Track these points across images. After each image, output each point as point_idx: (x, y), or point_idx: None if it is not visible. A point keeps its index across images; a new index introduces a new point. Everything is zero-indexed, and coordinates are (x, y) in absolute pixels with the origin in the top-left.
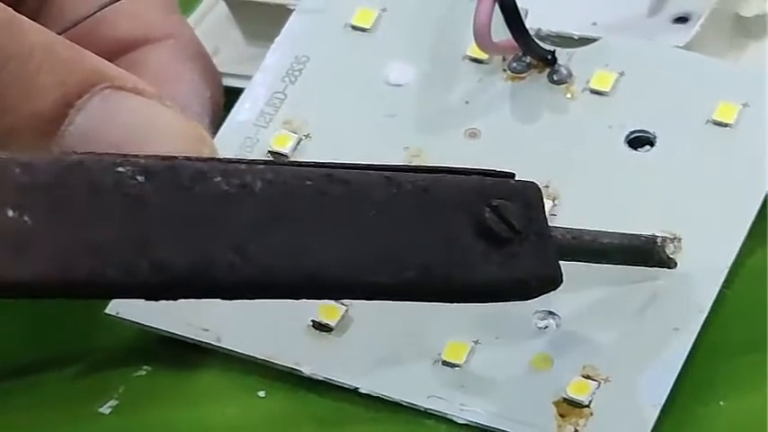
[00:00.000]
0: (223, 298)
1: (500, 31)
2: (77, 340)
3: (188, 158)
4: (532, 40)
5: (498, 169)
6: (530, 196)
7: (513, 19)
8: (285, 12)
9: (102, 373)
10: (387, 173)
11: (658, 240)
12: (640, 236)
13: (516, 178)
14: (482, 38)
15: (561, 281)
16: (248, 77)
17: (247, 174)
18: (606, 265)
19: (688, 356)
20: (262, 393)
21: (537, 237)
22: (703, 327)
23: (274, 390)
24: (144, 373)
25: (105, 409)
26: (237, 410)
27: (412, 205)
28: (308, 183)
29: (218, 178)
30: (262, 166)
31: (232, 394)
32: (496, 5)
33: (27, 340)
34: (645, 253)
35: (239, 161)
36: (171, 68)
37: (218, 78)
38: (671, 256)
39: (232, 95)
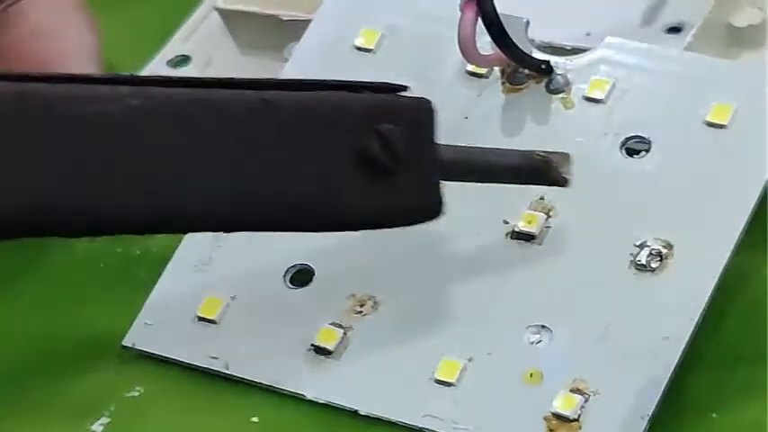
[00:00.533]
0: (68, 236)
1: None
2: (72, 358)
3: (47, 78)
4: (521, 51)
5: (391, 83)
6: (421, 116)
7: (497, 32)
8: (278, 22)
9: (95, 391)
10: (266, 93)
11: (552, 159)
12: (533, 153)
13: (408, 93)
14: (468, 51)
15: (441, 211)
16: None
17: (108, 100)
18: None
19: (680, 367)
20: (255, 419)
21: (422, 164)
22: (696, 337)
23: (267, 415)
24: (137, 393)
25: (97, 427)
26: None
27: (290, 132)
28: (176, 109)
29: (75, 105)
30: (127, 89)
31: (224, 418)
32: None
33: (21, 355)
34: (537, 171)
35: (108, 80)
36: (57, 18)
37: (99, 31)
38: (564, 175)
39: None
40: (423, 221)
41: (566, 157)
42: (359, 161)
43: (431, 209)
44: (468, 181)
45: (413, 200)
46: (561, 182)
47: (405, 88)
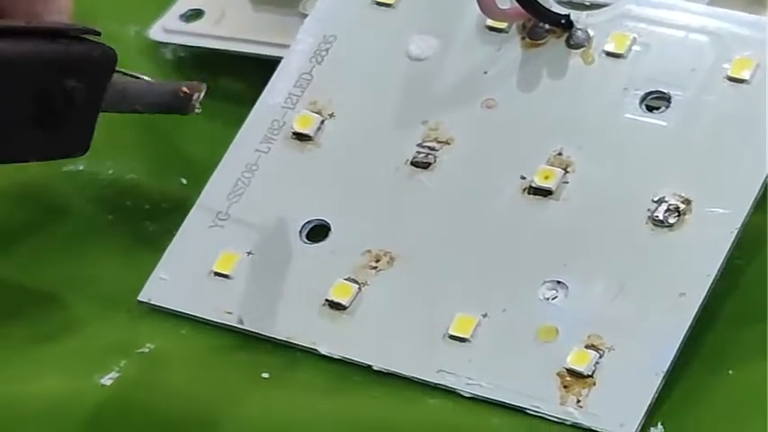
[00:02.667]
0: None
1: None
2: (81, 312)
3: None
4: (540, 5)
5: (81, 27)
6: (104, 68)
7: None
8: None
9: (105, 346)
10: None
11: (192, 92)
12: (179, 89)
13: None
14: (486, 5)
15: (89, 148)
16: (254, 42)
17: None
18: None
19: (697, 325)
20: (266, 374)
21: (89, 112)
22: (712, 295)
23: (278, 370)
24: (147, 350)
25: (106, 381)
26: (240, 389)
27: None
28: None
29: None
30: None
31: (234, 375)
32: None
33: (30, 308)
34: (177, 105)
35: None
36: None
37: None
38: (194, 103)
39: (238, 61)
40: (73, 156)
41: (200, 87)
42: (36, 111)
43: (83, 148)
44: (120, 112)
45: (70, 143)
46: (190, 111)
47: (98, 33)
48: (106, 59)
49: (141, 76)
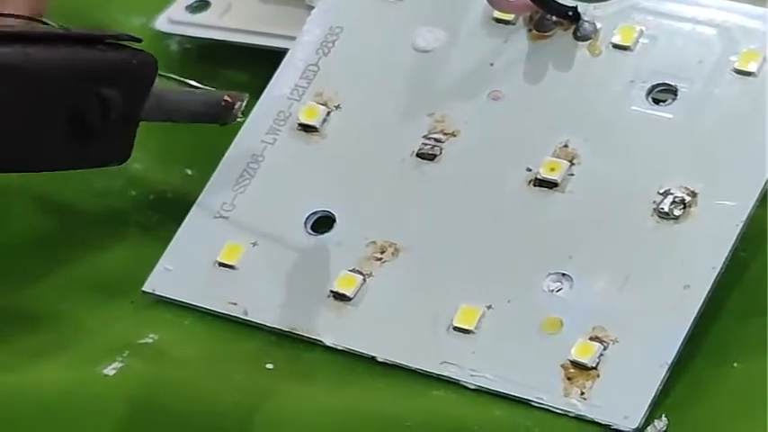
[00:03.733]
0: None
1: None
2: (85, 301)
3: None
4: None
5: (121, 34)
6: (143, 77)
7: None
8: None
9: (108, 337)
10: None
11: (234, 102)
12: (221, 98)
13: (136, 47)
14: None
15: (129, 157)
16: (260, 34)
17: None
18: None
19: (702, 317)
20: (270, 365)
21: (128, 121)
22: (717, 288)
23: (282, 361)
24: (150, 341)
25: (109, 371)
26: (243, 378)
27: (15, 86)
28: None
29: None
30: None
31: (239, 366)
32: None
33: (34, 297)
34: (219, 114)
35: None
36: None
37: None
38: (235, 113)
39: (245, 52)
40: (111, 166)
41: (242, 96)
42: (72, 120)
43: (121, 158)
44: (159, 121)
45: (108, 152)
46: (231, 121)
47: (139, 40)
48: (145, 67)
49: (186, 81)
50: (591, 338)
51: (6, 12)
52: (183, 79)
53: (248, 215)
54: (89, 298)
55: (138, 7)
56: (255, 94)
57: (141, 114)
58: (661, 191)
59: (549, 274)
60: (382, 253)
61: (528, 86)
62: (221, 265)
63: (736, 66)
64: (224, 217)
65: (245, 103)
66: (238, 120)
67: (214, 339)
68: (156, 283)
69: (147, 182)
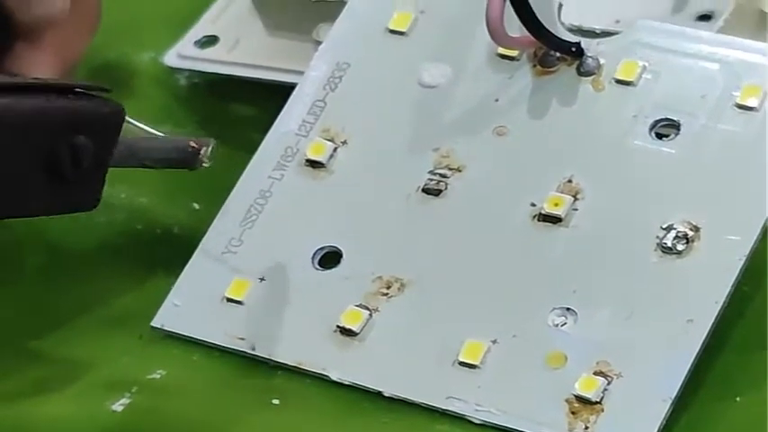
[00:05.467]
0: None
1: None
2: (92, 337)
3: None
4: (551, 33)
5: (91, 84)
6: (112, 125)
7: (525, 14)
8: (306, 3)
9: (116, 372)
10: None
11: (199, 147)
12: (187, 144)
13: (105, 97)
14: (496, 32)
15: (98, 204)
16: (268, 68)
17: None
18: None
19: (705, 351)
20: (276, 401)
21: (98, 168)
22: (721, 322)
23: (288, 397)
24: (158, 376)
25: (117, 407)
26: (250, 414)
27: None
28: None
29: None
30: None
31: (245, 401)
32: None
33: (41, 333)
34: (186, 160)
35: None
36: None
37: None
38: (202, 159)
39: (252, 87)
40: (81, 212)
41: (208, 142)
42: (46, 167)
43: (91, 205)
44: (130, 167)
45: (78, 199)
46: (198, 166)
47: (107, 90)
48: (114, 115)
49: (148, 129)
50: (595, 373)
51: (43, 57)
52: (143, 126)
53: (256, 251)
54: (97, 333)
55: (147, 43)
56: (264, 128)
57: (111, 161)
58: (664, 225)
59: (554, 308)
60: (388, 288)
61: (532, 122)
62: (229, 300)
63: (738, 100)
64: (232, 252)
65: (210, 149)
66: (205, 165)
67: (222, 375)
68: (164, 319)
69: (154, 217)
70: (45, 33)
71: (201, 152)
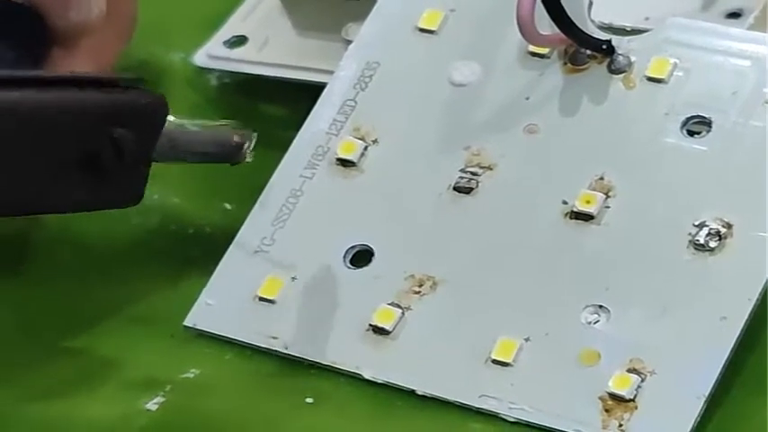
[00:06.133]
0: None
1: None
2: (127, 336)
3: None
4: (581, 31)
5: (129, 77)
6: (154, 117)
7: (555, 11)
8: (335, 2)
9: (150, 371)
10: (10, 93)
11: (243, 141)
12: (231, 138)
13: (145, 89)
14: (526, 30)
15: (141, 198)
16: (297, 68)
17: None
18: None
19: (739, 348)
20: (309, 399)
21: (140, 162)
22: (753, 318)
23: (322, 395)
24: (192, 375)
25: (152, 406)
26: (284, 413)
27: (26, 132)
28: None
29: None
30: None
31: (279, 400)
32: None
33: (76, 331)
34: (230, 154)
35: None
36: None
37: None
38: (245, 152)
39: (282, 86)
40: (124, 207)
41: (251, 135)
42: (86, 161)
43: (135, 200)
44: (171, 162)
45: (121, 194)
46: (242, 160)
47: (143, 80)
48: (155, 107)
49: (189, 124)
50: (628, 370)
51: (79, 61)
52: (184, 121)
53: (288, 250)
54: (130, 333)
55: (177, 43)
56: (294, 127)
57: (153, 156)
58: (696, 223)
59: (587, 306)
60: (420, 286)
61: (563, 120)
62: (261, 299)
63: None
64: (264, 251)
65: (254, 142)
66: (248, 160)
67: (255, 373)
68: (197, 318)
69: (186, 217)
70: (81, 39)
71: (245, 146)
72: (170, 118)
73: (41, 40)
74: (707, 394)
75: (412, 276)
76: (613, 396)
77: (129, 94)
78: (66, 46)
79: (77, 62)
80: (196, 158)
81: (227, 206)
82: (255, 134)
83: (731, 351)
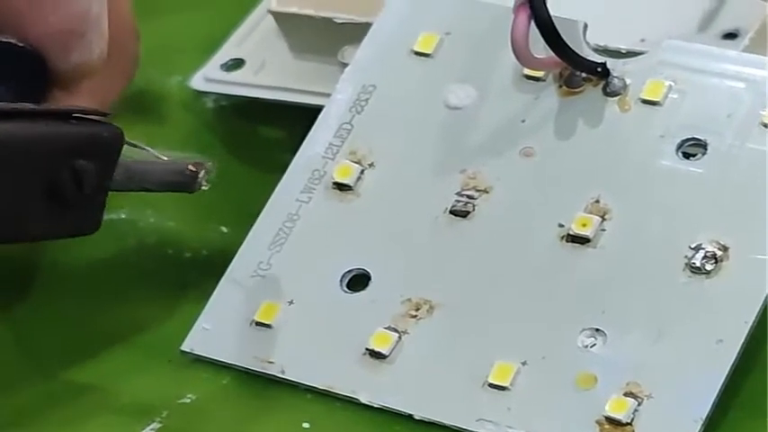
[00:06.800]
0: None
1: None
2: (122, 361)
3: None
4: (576, 54)
5: (90, 109)
6: (112, 149)
7: (550, 34)
8: (332, 25)
9: (147, 396)
10: None
11: (198, 171)
12: (186, 168)
13: (104, 120)
14: (521, 53)
15: (98, 228)
16: (294, 91)
17: None
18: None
19: (736, 370)
20: (306, 425)
21: (99, 192)
22: (750, 341)
23: (319, 420)
24: (188, 400)
25: (148, 431)
26: None
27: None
28: None
29: None
30: None
31: (276, 425)
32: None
33: (70, 357)
34: (185, 183)
35: None
36: None
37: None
38: (200, 181)
39: (279, 109)
40: (82, 236)
41: (205, 165)
42: (48, 192)
43: (92, 228)
44: (129, 191)
45: (80, 223)
46: (197, 189)
47: (105, 114)
48: (114, 139)
49: (152, 151)
50: (625, 394)
51: (80, 102)
52: (148, 149)
53: (284, 274)
54: (127, 358)
55: (174, 67)
56: (291, 150)
57: (112, 185)
58: (693, 245)
59: (583, 329)
60: (417, 310)
61: (559, 142)
62: (258, 324)
63: (765, 119)
64: (260, 276)
65: (207, 172)
66: (203, 188)
67: (252, 398)
68: (194, 343)
69: (183, 240)
70: (82, 81)
71: (200, 175)
72: (139, 145)
73: (42, 82)
74: (704, 417)
75: (409, 300)
76: (610, 420)
77: (91, 126)
78: (68, 87)
79: (78, 103)
80: (153, 187)
81: (224, 229)
82: (211, 163)
83: (728, 374)
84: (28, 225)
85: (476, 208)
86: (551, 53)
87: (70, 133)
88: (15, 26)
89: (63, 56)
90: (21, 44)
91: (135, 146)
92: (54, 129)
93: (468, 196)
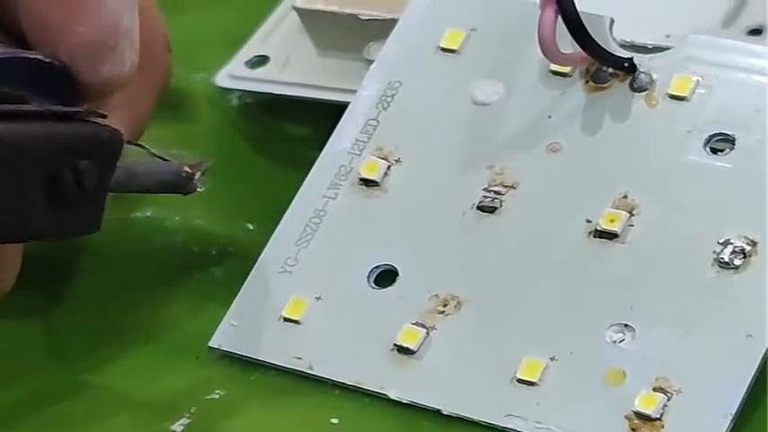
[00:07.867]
0: None
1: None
2: (151, 357)
3: None
4: (603, 49)
5: (94, 110)
6: (112, 150)
7: (577, 29)
8: (357, 22)
9: (175, 393)
10: None
11: (193, 172)
12: (182, 170)
13: (106, 123)
14: (548, 49)
15: (99, 228)
16: (318, 88)
17: None
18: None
19: (764, 366)
20: (335, 420)
21: (99, 192)
22: None
23: (347, 416)
24: (217, 396)
25: (177, 427)
26: None
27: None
28: None
29: None
30: None
31: (304, 420)
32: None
33: (99, 353)
34: (180, 185)
35: None
36: None
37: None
38: (195, 182)
39: (304, 106)
40: (83, 235)
41: (201, 165)
42: (48, 192)
43: (92, 228)
44: (128, 192)
45: (80, 223)
46: (192, 190)
47: (104, 116)
48: (113, 140)
49: (147, 147)
50: (654, 389)
51: (111, 117)
52: (151, 150)
53: (312, 270)
54: (155, 354)
55: (199, 64)
56: (317, 147)
57: (111, 186)
58: (721, 241)
59: (612, 324)
60: (445, 306)
61: (586, 138)
62: (286, 319)
63: None
64: (288, 272)
65: (202, 173)
66: (199, 189)
67: (280, 394)
68: (222, 339)
69: (209, 238)
70: (113, 93)
71: (195, 177)
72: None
73: (71, 97)
74: (734, 413)
75: (436, 296)
76: (639, 415)
77: (91, 127)
78: (98, 101)
79: (110, 116)
80: (152, 188)
81: (250, 226)
82: (207, 163)
83: (757, 369)
84: (29, 225)
85: (503, 204)
86: (578, 49)
87: (71, 133)
88: (45, 38)
89: (93, 68)
90: (48, 60)
91: (135, 145)
92: (55, 129)
93: (496, 192)
